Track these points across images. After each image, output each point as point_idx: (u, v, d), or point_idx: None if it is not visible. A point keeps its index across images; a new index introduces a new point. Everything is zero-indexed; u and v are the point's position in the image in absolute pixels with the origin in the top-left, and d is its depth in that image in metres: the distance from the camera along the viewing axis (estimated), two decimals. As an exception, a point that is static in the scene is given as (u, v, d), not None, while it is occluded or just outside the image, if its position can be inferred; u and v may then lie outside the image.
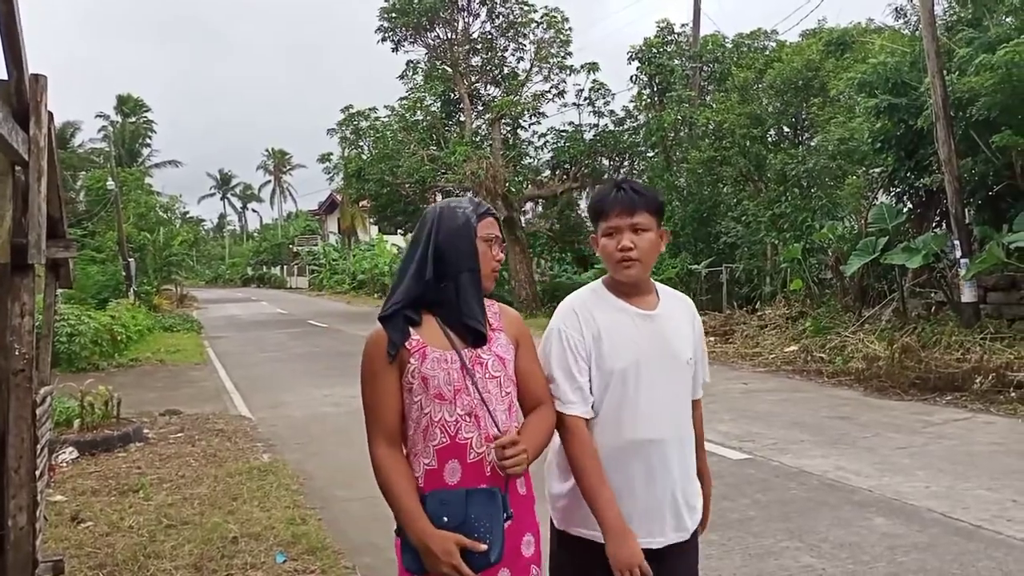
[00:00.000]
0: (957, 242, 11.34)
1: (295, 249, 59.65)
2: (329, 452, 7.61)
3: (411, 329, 2.06)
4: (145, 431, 8.30)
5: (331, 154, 29.18)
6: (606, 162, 25.76)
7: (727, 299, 17.88)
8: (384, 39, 26.88)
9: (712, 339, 14.30)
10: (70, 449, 7.40)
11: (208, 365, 15.01)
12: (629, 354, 2.19)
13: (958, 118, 11.50)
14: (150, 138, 49.50)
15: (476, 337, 2.06)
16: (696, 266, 18.55)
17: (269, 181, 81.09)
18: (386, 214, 30.16)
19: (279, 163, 79.20)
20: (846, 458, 6.68)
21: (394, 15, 26.32)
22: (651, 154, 23.65)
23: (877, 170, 14.52)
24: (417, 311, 2.07)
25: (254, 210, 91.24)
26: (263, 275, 67.65)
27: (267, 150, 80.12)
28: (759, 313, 15.80)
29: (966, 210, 11.84)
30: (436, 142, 25.96)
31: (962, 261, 11.19)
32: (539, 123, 26.63)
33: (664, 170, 21.57)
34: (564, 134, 25.87)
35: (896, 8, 15.98)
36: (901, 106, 12.31)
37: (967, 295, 11.27)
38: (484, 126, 26.78)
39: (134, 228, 29.17)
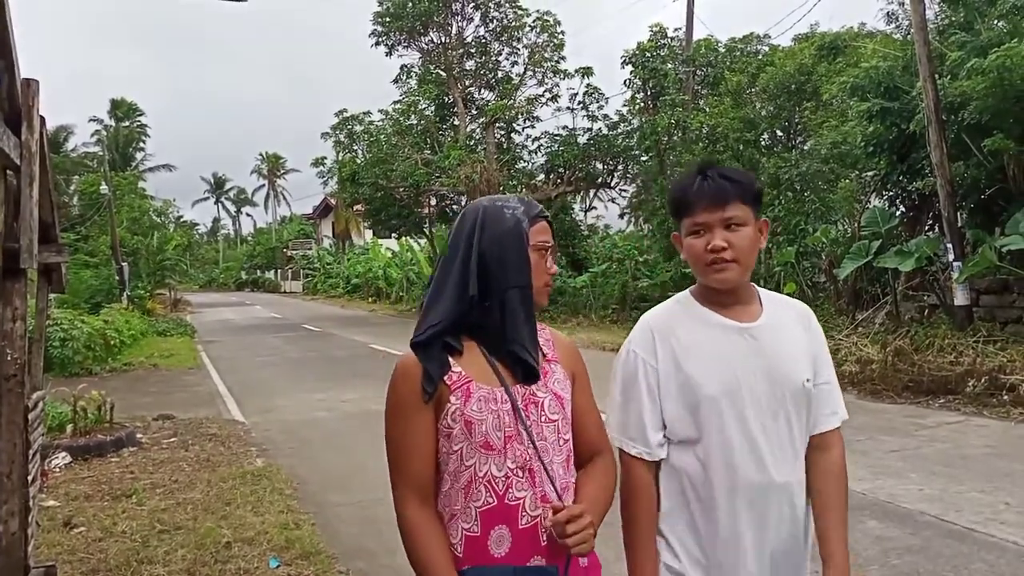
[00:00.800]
0: (950, 245, 11.38)
1: (289, 253, 59.61)
2: (323, 456, 7.60)
3: (451, 359, 1.66)
4: (138, 436, 8.27)
5: (325, 158, 29.23)
6: (600, 166, 25.84)
7: (721, 302, 17.89)
8: (378, 43, 26.96)
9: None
10: (63, 454, 7.36)
11: (202, 370, 14.97)
12: (723, 378, 1.79)
13: (950, 122, 11.56)
14: (144, 142, 49.48)
15: (527, 371, 1.67)
16: (690, 270, 18.55)
17: (263, 185, 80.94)
18: (380, 218, 30.12)
19: (273, 167, 79.07)
20: (839, 461, 6.69)
21: (388, 19, 26.37)
22: (645, 158, 23.72)
23: (870, 174, 14.58)
24: (457, 336, 1.67)
25: (248, 214, 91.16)
26: (257, 279, 67.57)
27: (261, 154, 80.00)
28: (753, 316, 15.81)
29: (958, 213, 11.89)
30: (430, 146, 26.01)
31: (955, 264, 11.24)
32: (533, 127, 26.79)
33: (658, 174, 21.62)
34: (558, 138, 25.96)
35: (888, 13, 16.10)
36: (893, 110, 12.37)
37: (960, 298, 11.31)
38: (478, 130, 26.84)
39: (127, 232, 29.11)
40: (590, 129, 25.48)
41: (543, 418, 1.67)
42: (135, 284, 27.58)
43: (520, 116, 26.18)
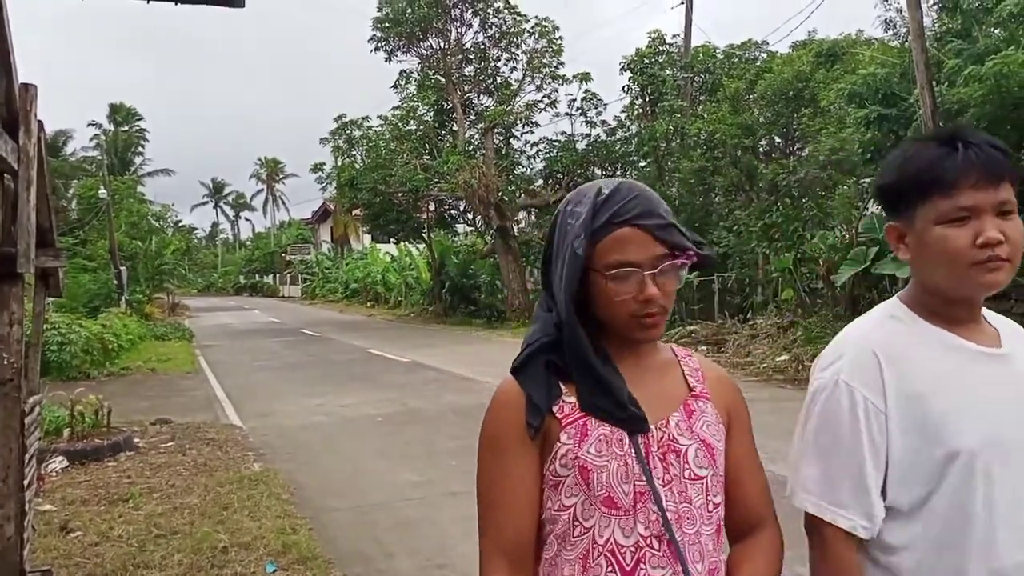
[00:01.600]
0: (947, 252, 11.38)
1: (288, 258, 59.63)
2: (320, 461, 7.59)
3: (562, 386, 1.29)
4: (135, 440, 8.26)
5: (324, 164, 29.27)
6: (599, 171, 25.87)
7: (719, 308, 17.93)
8: (377, 49, 27.04)
9: (703, 348, 14.33)
10: (60, 458, 7.35)
11: (200, 374, 14.95)
12: (981, 425, 1.30)
13: (947, 129, 11.57)
14: (143, 147, 49.59)
15: (628, 421, 1.26)
16: (688, 276, 18.55)
17: (262, 190, 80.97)
18: (379, 223, 30.13)
19: (272, 172, 79.16)
20: (837, 467, 6.68)
21: (387, 25, 26.45)
22: (643, 164, 23.77)
23: (867, 180, 14.60)
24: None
25: (247, 219, 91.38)
26: (256, 284, 67.50)
27: (259, 159, 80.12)
28: (751, 323, 15.85)
29: (956, 220, 11.90)
30: (429, 151, 26.04)
31: (952, 271, 11.24)
32: (532, 133, 26.87)
33: (656, 180, 21.64)
34: (556, 144, 26.02)
35: (885, 20, 16.14)
36: (891, 117, 12.40)
37: (957, 305, 11.31)
38: (477, 135, 26.88)
39: (126, 237, 29.13)
40: (588, 135, 25.58)
41: (687, 473, 1.26)
42: (133, 288, 27.56)
43: (519, 122, 26.23)
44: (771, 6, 24.72)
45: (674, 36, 23.21)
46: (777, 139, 19.41)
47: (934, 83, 11.41)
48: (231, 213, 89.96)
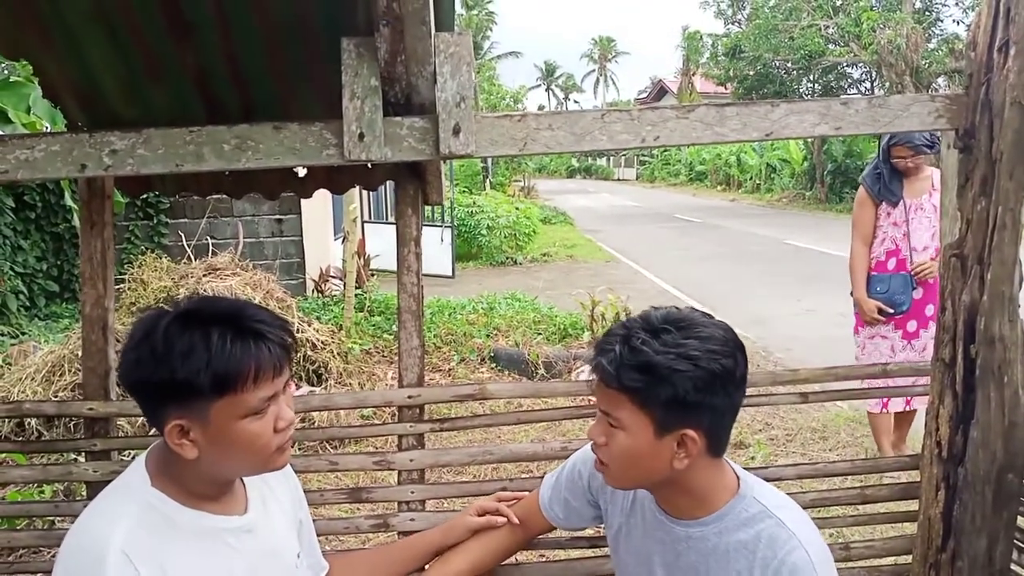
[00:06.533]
0: None
1: (621, 139, 58.44)
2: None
3: None
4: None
5: (698, 31, 26.75)
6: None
7: None
8: None
9: None
10: (586, 368, 6.30)
11: (620, 263, 13.88)
12: None
13: None
14: (491, 30, 50.28)
15: None
16: None
17: (592, 71, 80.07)
18: (750, 98, 27.25)
19: (604, 51, 77.63)
20: None
21: None
22: None
23: None
24: None
25: (575, 101, 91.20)
26: (589, 167, 67.57)
27: (594, 39, 78.89)
28: None
29: None
30: (835, 11, 22.36)
31: None
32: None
33: None
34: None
35: None
36: None
37: None
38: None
39: (486, 118, 29.40)
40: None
41: None
42: (495, 171, 27.79)
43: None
44: None
45: None
46: None
47: None
48: (560, 95, 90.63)
